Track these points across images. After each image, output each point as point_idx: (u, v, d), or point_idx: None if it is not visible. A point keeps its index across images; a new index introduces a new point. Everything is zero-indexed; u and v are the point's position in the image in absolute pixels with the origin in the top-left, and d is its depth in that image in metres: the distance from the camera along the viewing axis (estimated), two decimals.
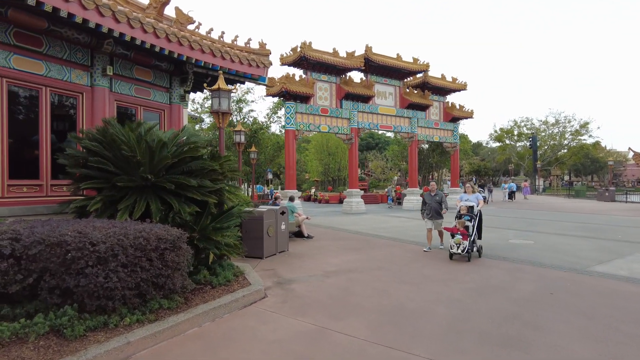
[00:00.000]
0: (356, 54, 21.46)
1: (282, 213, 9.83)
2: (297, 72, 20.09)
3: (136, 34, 7.16)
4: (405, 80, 24.72)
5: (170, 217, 5.56)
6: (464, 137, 34.97)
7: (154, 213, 5.36)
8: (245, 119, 21.32)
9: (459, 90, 26.72)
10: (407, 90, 24.73)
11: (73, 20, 6.24)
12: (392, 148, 38.40)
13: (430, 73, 25.14)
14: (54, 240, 3.98)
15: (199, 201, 6.12)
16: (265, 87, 10.50)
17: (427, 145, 31.41)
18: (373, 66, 22.34)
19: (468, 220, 9.03)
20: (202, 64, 8.74)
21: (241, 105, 21.37)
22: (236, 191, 9.06)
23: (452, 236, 8.76)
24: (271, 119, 21.73)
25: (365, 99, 22.25)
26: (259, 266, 8.11)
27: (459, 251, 8.53)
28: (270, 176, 37.31)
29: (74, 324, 3.93)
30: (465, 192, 10.08)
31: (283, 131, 19.68)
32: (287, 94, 19.30)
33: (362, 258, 9.12)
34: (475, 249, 8.92)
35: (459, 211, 9.37)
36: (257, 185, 33.55)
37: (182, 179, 5.68)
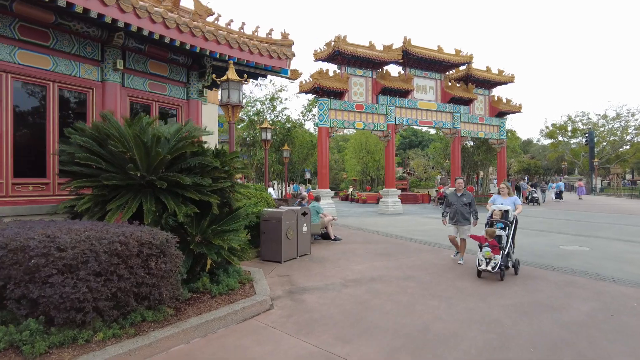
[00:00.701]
0: (394, 47, 20.45)
1: (304, 214, 9.19)
2: (332, 67, 19.44)
3: (143, 24, 6.78)
4: (447, 73, 23.35)
5: (163, 218, 5.07)
6: (511, 134, 32.66)
7: (146, 214, 4.88)
8: (279, 117, 20.96)
9: (506, 83, 24.92)
10: (449, 83, 23.34)
11: (73, 10, 5.92)
12: (434, 145, 36.71)
13: (474, 65, 23.60)
14: (16, 244, 3.56)
15: (202, 202, 5.61)
16: (293, 81, 9.91)
17: (471, 142, 29.71)
18: (412, 59, 21.22)
19: (501, 228, 7.37)
20: (218, 56, 8.28)
21: (275, 104, 20.99)
22: (247, 190, 8.55)
23: (480, 248, 7.20)
24: (306, 117, 21.20)
25: (404, 93, 21.18)
26: (274, 272, 7.52)
27: (489, 268, 6.86)
28: (308, 175, 36.91)
29: (35, 340, 3.48)
30: (498, 193, 8.24)
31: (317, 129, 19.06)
32: (320, 90, 18.68)
33: (389, 265, 8.28)
34: (510, 264, 7.30)
35: (490, 216, 7.71)
36: (294, 185, 33.25)
37: (176, 176, 5.18)
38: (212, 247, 5.41)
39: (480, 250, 7.19)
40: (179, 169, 5.49)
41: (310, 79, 18.47)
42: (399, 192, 22.48)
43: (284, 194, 21.53)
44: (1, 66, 6.06)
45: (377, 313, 5.30)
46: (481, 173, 35.50)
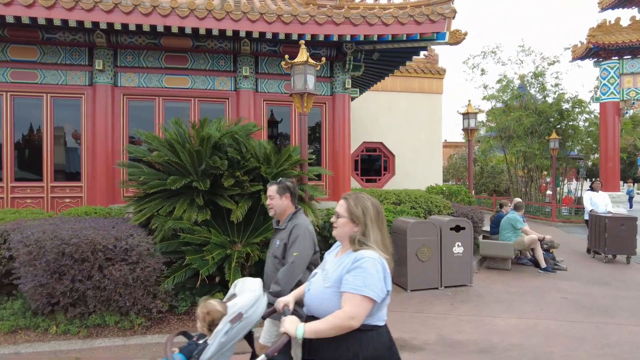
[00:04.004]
0: None
1: (458, 229, 6.61)
2: (626, 14, 13.17)
3: (274, 28, 6.78)
4: None
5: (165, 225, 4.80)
6: None
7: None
8: (547, 98, 15.89)
9: None
10: None
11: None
12: None
13: None
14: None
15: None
16: (453, 45, 7.48)
17: None
18: None
19: None
20: (362, 39, 7.17)
21: (543, 80, 16.06)
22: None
23: None
24: (595, 93, 14.88)
25: None
26: None
27: None
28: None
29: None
30: None
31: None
32: (602, 51, 13.05)
33: (592, 335, 4.73)
34: None
35: None
36: (628, 187, 24.78)
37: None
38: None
39: None
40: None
41: (586, 39, 13.15)
42: None
43: (551, 195, 16.13)
44: (156, 92, 7.57)
45: None
46: None
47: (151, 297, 4.47)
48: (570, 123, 15.27)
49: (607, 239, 8.28)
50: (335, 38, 7.08)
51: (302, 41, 5.80)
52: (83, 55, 7.30)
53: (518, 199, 8.82)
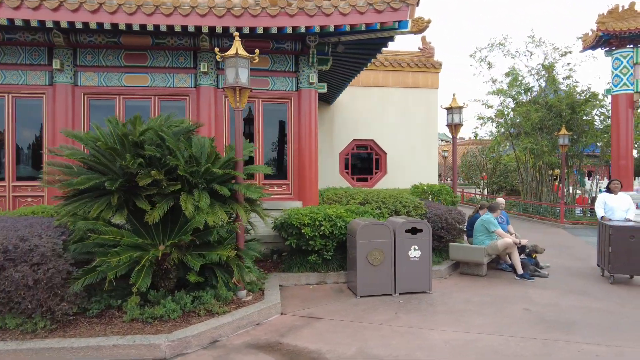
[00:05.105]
0: None
1: (414, 231, 6.15)
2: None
3: (242, 23, 6.59)
4: None
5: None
6: None
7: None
8: (559, 91, 14.77)
9: None
10: None
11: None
12: None
13: None
14: None
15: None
16: (416, 34, 7.01)
17: None
18: None
19: None
20: (290, 31, 6.86)
21: (555, 74, 14.92)
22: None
23: None
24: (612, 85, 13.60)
25: None
26: (297, 306, 5.45)
27: None
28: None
29: None
30: None
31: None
32: (613, 39, 12.03)
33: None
34: None
35: None
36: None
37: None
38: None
39: None
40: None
41: (595, 27, 12.13)
42: None
43: (561, 194, 14.99)
44: (116, 90, 7.51)
45: None
46: None
47: (58, 299, 4.33)
48: (584, 118, 14.17)
49: (612, 254, 6.57)
50: (290, 30, 6.77)
51: (237, 33, 5.54)
52: (43, 55, 7.32)
53: (500, 199, 8.19)
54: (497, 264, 7.72)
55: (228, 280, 5.29)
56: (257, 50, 5.51)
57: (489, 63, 16.29)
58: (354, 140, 13.17)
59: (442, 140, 51.44)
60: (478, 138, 18.58)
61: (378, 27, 6.79)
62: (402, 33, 6.88)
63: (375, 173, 13.49)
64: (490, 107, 16.69)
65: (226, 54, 5.32)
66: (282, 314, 5.27)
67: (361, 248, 5.92)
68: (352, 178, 13.22)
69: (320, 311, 5.36)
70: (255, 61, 5.45)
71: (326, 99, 12.55)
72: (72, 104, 7.37)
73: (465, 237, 8.40)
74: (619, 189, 7.58)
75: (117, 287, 4.89)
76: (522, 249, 7.53)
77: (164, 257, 4.79)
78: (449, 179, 23.56)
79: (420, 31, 6.70)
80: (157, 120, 5.55)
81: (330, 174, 12.75)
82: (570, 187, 16.73)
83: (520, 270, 6.97)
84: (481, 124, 16.96)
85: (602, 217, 7.29)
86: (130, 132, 4.86)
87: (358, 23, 6.73)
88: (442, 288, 6.44)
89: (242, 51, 5.29)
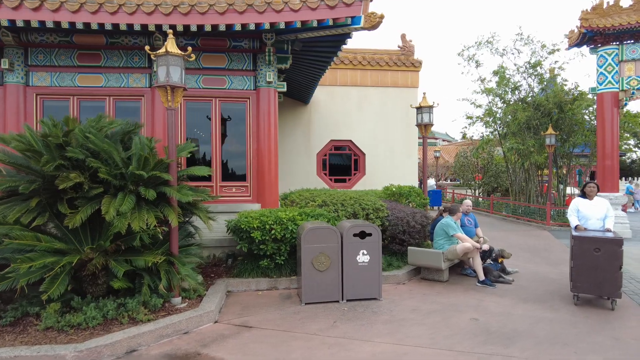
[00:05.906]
0: None
1: (363, 235, 5.91)
2: None
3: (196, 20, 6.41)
4: None
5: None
6: None
7: None
8: (548, 90, 14.37)
9: None
10: None
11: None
12: None
13: None
14: None
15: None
16: (370, 30, 6.77)
17: None
18: None
19: None
20: (238, 28, 6.65)
21: (541, 71, 14.53)
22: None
23: None
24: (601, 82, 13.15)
25: None
26: (235, 314, 5.23)
27: None
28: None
29: None
30: None
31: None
32: (598, 36, 11.66)
33: None
34: None
35: None
36: (627, 184, 22.60)
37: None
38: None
39: None
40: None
41: (579, 24, 11.76)
42: None
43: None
44: (70, 91, 7.36)
45: None
46: None
47: None
48: (572, 117, 13.77)
49: (573, 270, 5.61)
50: (239, 28, 6.56)
51: (170, 30, 5.35)
52: None
53: (467, 201, 7.91)
54: (462, 269, 7.45)
55: (159, 287, 5.10)
56: (189, 48, 5.30)
57: (476, 61, 15.97)
58: (331, 140, 12.91)
59: (443, 140, 50.80)
60: (467, 138, 18.23)
61: (330, 23, 6.55)
62: (355, 29, 6.63)
63: (354, 174, 13.22)
64: (479, 106, 16.36)
65: (157, 52, 5.13)
66: (216, 322, 5.07)
67: (306, 253, 5.70)
68: (330, 179, 12.96)
69: (256, 319, 5.15)
70: (192, 59, 5.27)
71: (301, 99, 12.32)
72: (23, 104, 7.22)
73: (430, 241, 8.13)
74: (596, 193, 6.27)
75: (39, 294, 4.72)
76: (488, 254, 7.25)
77: (87, 262, 4.62)
78: (442, 179, 23.20)
79: (374, 27, 6.44)
80: (93, 122, 5.39)
81: (307, 175, 12.52)
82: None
83: (481, 277, 6.70)
84: (469, 124, 16.64)
85: (576, 227, 6.09)
86: (51, 133, 4.69)
87: (309, 19, 6.51)
88: (394, 295, 6.20)
89: (173, 49, 5.10)
